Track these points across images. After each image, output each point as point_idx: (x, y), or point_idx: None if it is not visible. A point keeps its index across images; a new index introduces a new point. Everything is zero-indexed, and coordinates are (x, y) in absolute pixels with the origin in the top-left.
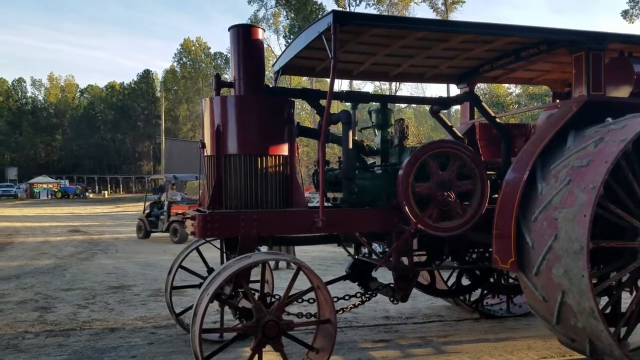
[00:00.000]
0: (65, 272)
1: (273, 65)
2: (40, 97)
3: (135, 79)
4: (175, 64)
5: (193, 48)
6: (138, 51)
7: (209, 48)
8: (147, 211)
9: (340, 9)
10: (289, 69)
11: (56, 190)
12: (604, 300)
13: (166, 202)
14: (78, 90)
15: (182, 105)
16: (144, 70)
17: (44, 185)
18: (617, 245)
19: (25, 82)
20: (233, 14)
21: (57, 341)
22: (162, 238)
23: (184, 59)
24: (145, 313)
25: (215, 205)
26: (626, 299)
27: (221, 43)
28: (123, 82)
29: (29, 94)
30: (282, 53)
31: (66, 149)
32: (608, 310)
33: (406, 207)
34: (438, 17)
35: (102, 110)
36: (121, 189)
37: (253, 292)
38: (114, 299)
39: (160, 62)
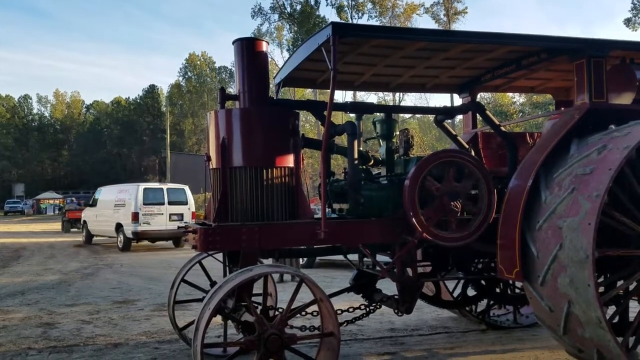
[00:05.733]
0: (70, 288)
1: (274, 78)
2: (46, 114)
3: (141, 94)
4: (180, 78)
5: (198, 62)
6: (144, 68)
7: (214, 62)
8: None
9: (342, 21)
10: (290, 81)
11: (62, 205)
12: (612, 309)
13: (65, 209)
14: (84, 106)
15: (188, 119)
16: (150, 86)
17: (51, 201)
18: (623, 254)
19: (31, 99)
20: (237, 28)
21: (60, 357)
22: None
23: (189, 73)
24: (149, 328)
25: (220, 218)
26: (634, 307)
27: (225, 57)
28: (129, 98)
29: (35, 111)
30: (283, 65)
31: (72, 164)
32: (616, 320)
33: (412, 218)
34: (439, 28)
35: (107, 126)
36: None
37: (256, 305)
38: (118, 314)
39: (166, 78)
